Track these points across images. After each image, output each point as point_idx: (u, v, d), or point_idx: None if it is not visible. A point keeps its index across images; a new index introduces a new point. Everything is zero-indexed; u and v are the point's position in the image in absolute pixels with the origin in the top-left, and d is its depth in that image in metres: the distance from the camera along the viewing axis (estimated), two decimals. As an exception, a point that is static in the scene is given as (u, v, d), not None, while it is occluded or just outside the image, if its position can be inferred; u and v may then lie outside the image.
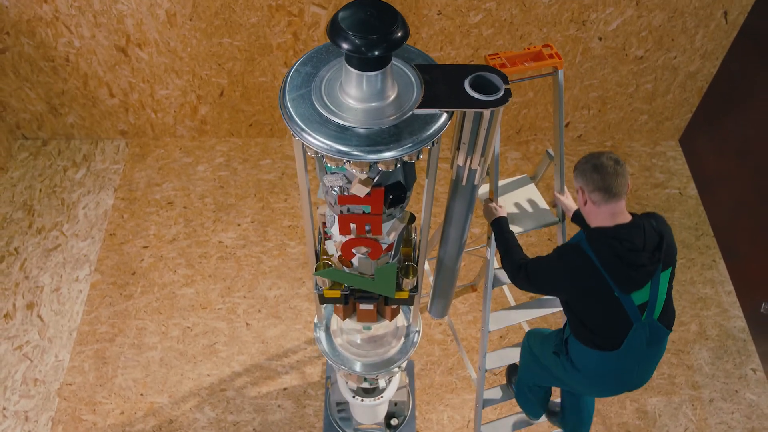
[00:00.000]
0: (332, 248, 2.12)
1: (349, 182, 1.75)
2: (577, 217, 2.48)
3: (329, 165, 1.72)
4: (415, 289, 2.17)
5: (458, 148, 1.82)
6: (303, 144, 1.65)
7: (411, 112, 1.62)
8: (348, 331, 2.63)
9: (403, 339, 2.64)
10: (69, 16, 3.63)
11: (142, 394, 3.35)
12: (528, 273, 2.15)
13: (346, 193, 1.76)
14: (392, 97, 1.64)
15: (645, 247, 1.97)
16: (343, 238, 1.94)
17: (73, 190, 4.13)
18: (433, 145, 1.66)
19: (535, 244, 3.96)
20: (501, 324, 2.66)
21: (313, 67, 1.72)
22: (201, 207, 4.09)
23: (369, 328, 2.59)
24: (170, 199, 4.13)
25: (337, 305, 2.34)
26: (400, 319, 2.68)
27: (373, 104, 1.62)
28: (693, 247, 3.98)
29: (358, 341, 2.61)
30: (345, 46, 1.49)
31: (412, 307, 2.57)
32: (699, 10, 3.68)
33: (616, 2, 3.62)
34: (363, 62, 1.54)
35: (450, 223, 2.09)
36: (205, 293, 3.73)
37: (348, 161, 1.59)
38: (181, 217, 4.04)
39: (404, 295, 2.18)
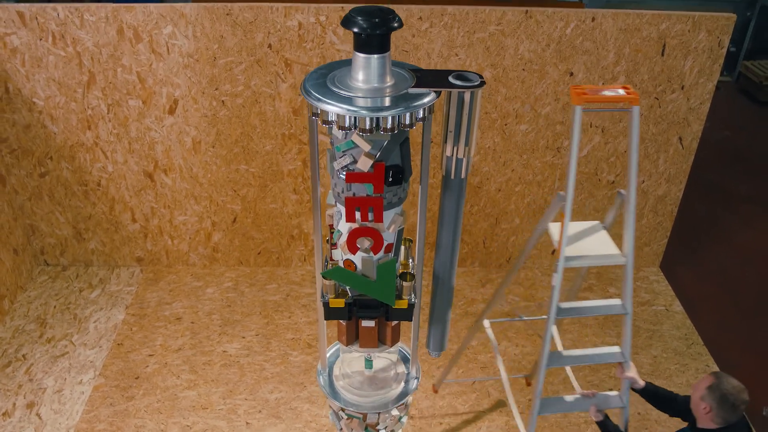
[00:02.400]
0: (338, 255, 2.34)
1: (355, 161, 2.05)
2: (647, 392, 2.75)
3: (339, 144, 2.05)
4: (413, 298, 2.34)
5: (446, 141, 2.15)
6: (316, 119, 1.99)
7: (406, 90, 1.98)
8: (350, 375, 2.70)
9: (402, 384, 2.71)
10: (108, 143, 4.14)
11: (134, 486, 3.23)
12: None
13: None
14: (391, 83, 2.02)
15: None
16: (349, 228, 2.18)
17: (86, 307, 4.31)
18: (424, 120, 2.00)
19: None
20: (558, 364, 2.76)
21: (327, 70, 2.12)
22: (208, 322, 4.24)
23: (370, 366, 2.67)
24: (179, 315, 4.29)
25: (341, 326, 2.47)
26: (400, 366, 2.77)
27: (375, 85, 1.99)
28: (686, 354, 4.07)
29: (360, 383, 2.67)
30: (355, 29, 1.91)
31: (411, 353, 2.68)
32: (657, 136, 4.21)
33: (584, 129, 4.17)
34: (368, 43, 1.94)
35: (442, 226, 2.33)
36: (206, 395, 3.74)
37: (356, 125, 1.91)
38: (188, 331, 4.17)
39: (403, 304, 2.35)
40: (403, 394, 2.66)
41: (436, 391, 3.81)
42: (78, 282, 4.52)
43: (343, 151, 2.06)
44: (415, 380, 2.73)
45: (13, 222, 4.31)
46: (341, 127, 1.93)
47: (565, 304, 2.79)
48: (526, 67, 3.94)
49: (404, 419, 2.79)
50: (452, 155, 2.16)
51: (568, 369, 3.42)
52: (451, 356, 3.66)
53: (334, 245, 2.37)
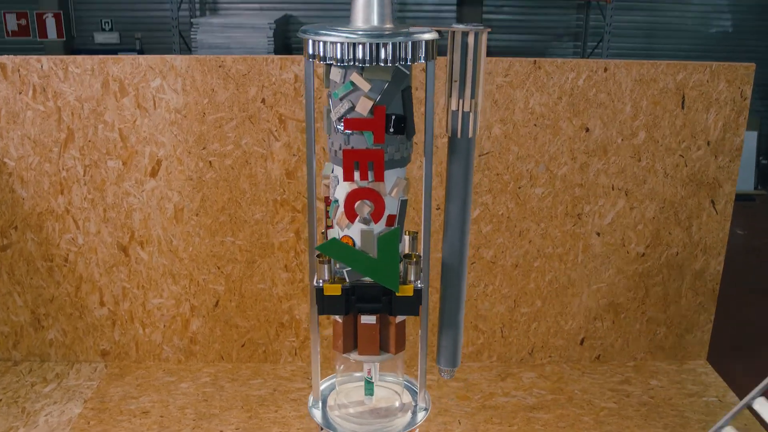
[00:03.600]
0: (334, 234, 2.35)
1: (353, 107, 2.15)
2: None
3: (336, 90, 2.17)
4: (420, 283, 2.32)
5: (451, 94, 2.26)
6: (313, 61, 2.12)
7: (407, 29, 2.13)
8: (347, 405, 2.58)
9: (409, 414, 2.57)
10: (80, 210, 4.24)
11: None
12: None
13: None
14: (392, 26, 2.17)
15: None
16: (347, 190, 2.22)
17: (37, 401, 4.15)
18: (427, 60, 2.13)
19: None
20: None
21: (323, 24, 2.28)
22: (180, 416, 4.06)
23: (371, 390, 2.56)
24: (146, 409, 4.11)
25: (337, 325, 2.41)
26: (406, 396, 2.65)
27: (375, 24, 2.14)
28: (748, 445, 3.85)
29: (359, 413, 2.54)
30: (354, -39, 2.10)
31: (419, 372, 2.58)
32: (686, 199, 4.31)
33: (605, 193, 4.29)
34: (367, -22, 2.12)
35: (450, 199, 2.36)
36: (172, 490, 3.50)
37: (354, 57, 2.03)
38: (155, 425, 3.98)
39: (408, 290, 2.32)
40: (411, 423, 2.52)
41: None
42: (30, 377, 4.39)
43: (341, 98, 2.16)
44: (424, 412, 2.59)
45: (-35, 302, 4.29)
46: (339, 62, 2.05)
47: None
48: (537, 122, 4.15)
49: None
50: (458, 108, 2.25)
51: None
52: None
53: (330, 226, 2.38)
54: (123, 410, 4.09)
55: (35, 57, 3.99)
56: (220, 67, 4.03)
